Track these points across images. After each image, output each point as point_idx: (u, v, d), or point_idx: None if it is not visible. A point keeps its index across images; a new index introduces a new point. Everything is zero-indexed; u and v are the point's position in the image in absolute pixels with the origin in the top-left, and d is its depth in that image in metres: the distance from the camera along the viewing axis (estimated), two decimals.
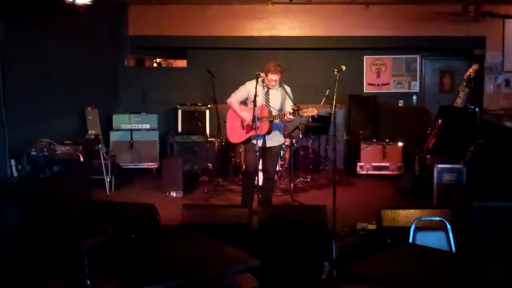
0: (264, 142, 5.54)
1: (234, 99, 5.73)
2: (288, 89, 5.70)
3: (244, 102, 5.76)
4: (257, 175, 5.77)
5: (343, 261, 3.66)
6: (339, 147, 8.91)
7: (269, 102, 5.63)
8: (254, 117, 5.33)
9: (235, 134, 5.82)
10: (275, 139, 5.72)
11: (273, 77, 5.51)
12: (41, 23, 6.13)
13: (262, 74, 5.47)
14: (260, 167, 5.82)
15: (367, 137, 8.37)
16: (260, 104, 5.53)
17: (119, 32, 9.10)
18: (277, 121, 5.64)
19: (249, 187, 5.82)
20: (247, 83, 5.67)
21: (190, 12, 9.04)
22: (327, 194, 6.24)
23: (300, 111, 5.31)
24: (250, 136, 5.69)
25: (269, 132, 5.57)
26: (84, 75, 7.55)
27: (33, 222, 4.51)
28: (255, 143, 5.49)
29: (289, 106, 5.51)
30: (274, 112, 5.59)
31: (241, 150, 7.17)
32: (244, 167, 6.37)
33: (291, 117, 5.36)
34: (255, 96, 5.31)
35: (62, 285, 4.00)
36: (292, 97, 5.64)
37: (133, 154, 8.18)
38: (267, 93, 5.63)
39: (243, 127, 5.73)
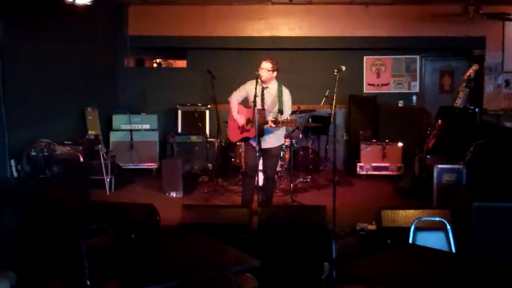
0: (259, 143, 5.49)
1: (234, 98, 5.75)
2: (285, 92, 5.61)
3: (244, 102, 5.76)
4: (257, 175, 5.77)
5: (343, 261, 3.67)
6: (339, 148, 8.91)
7: (263, 101, 5.60)
8: (249, 118, 5.36)
9: (233, 132, 5.84)
10: (271, 141, 5.68)
11: (263, 64, 5.52)
12: (41, 23, 6.13)
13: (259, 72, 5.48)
14: (260, 167, 5.82)
15: (367, 137, 8.37)
16: (258, 104, 5.50)
17: (119, 32, 9.10)
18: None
19: (248, 187, 5.82)
20: (247, 83, 5.67)
21: (190, 12, 9.04)
22: (327, 194, 6.23)
23: (280, 122, 5.33)
24: (244, 137, 5.70)
25: (260, 135, 5.49)
26: (84, 75, 7.55)
27: (33, 223, 4.51)
28: (253, 144, 5.52)
29: (281, 109, 5.50)
30: (268, 116, 5.56)
31: (241, 150, 7.18)
32: (243, 166, 6.38)
33: (273, 125, 5.37)
34: (255, 96, 5.31)
35: (62, 285, 3.99)
36: (284, 102, 5.56)
37: (133, 154, 8.18)
38: (262, 92, 5.59)
39: (238, 127, 5.75)
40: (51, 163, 5.74)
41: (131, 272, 2.94)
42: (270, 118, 5.49)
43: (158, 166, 8.12)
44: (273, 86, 5.64)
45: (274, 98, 5.61)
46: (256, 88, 5.35)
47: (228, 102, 5.84)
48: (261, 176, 5.88)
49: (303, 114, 7.86)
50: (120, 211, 4.66)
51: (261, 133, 5.50)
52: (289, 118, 5.40)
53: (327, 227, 4.52)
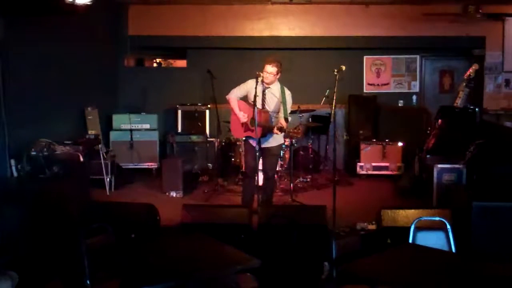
0: (259, 143, 5.49)
1: (233, 95, 5.67)
2: (287, 94, 5.61)
3: (243, 99, 5.73)
4: (257, 175, 5.77)
5: (343, 261, 3.67)
6: (339, 147, 8.91)
7: (265, 102, 5.59)
8: (252, 118, 5.35)
9: (236, 128, 5.78)
10: (272, 141, 5.67)
11: (268, 68, 5.45)
12: (41, 23, 6.13)
13: (261, 73, 5.45)
14: (260, 167, 5.81)
15: (367, 137, 8.37)
16: (258, 104, 5.50)
17: (119, 32, 9.10)
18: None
19: (249, 187, 5.81)
20: (249, 81, 5.59)
21: (190, 12, 9.04)
22: (327, 194, 6.22)
23: (286, 131, 5.37)
24: (247, 136, 5.69)
25: (263, 136, 5.52)
26: (84, 75, 7.55)
27: (33, 222, 4.51)
28: (252, 143, 5.54)
29: (283, 111, 5.53)
30: (273, 119, 5.59)
31: (241, 150, 7.18)
32: (243, 167, 6.35)
33: (279, 132, 5.37)
34: (255, 96, 5.30)
35: (62, 285, 4.00)
36: (287, 106, 5.58)
37: (133, 154, 8.18)
38: (264, 93, 5.57)
39: (242, 124, 5.71)
40: (51, 163, 5.73)
41: (131, 272, 2.94)
42: (280, 118, 5.51)
43: (158, 165, 8.12)
44: (275, 86, 5.61)
45: (276, 99, 5.60)
46: (256, 88, 5.34)
47: (226, 100, 5.77)
48: (261, 176, 5.88)
49: (303, 114, 7.86)
50: (120, 211, 4.66)
51: (265, 134, 5.51)
52: (297, 128, 5.45)
53: (327, 227, 4.52)
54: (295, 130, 5.41)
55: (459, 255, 3.64)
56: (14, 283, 3.82)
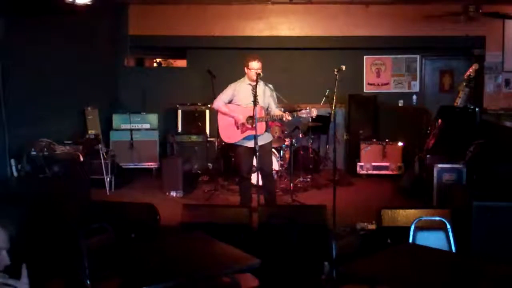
0: (256, 142, 5.51)
1: (220, 102, 5.73)
2: (272, 86, 5.77)
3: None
4: (256, 174, 5.77)
5: (343, 261, 3.66)
6: (339, 147, 8.90)
7: (256, 99, 5.61)
8: (250, 117, 5.38)
9: (229, 134, 5.78)
10: (264, 138, 5.70)
11: (254, 64, 5.58)
12: (41, 23, 6.13)
13: (246, 71, 5.58)
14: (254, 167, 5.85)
15: (367, 137, 8.37)
16: (247, 103, 5.52)
17: (119, 32, 9.10)
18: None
19: (246, 188, 5.85)
20: (232, 85, 5.74)
21: (190, 12, 9.04)
22: (327, 194, 6.23)
23: (298, 112, 5.39)
24: (247, 136, 5.68)
25: (267, 130, 5.60)
26: (84, 75, 7.55)
27: (33, 222, 4.51)
28: (247, 145, 5.60)
29: (274, 104, 5.69)
30: (276, 111, 5.64)
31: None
32: (239, 170, 6.23)
33: (289, 118, 5.40)
34: (255, 95, 5.32)
35: (62, 285, 4.00)
36: (275, 95, 5.76)
37: (133, 154, 8.18)
38: (253, 91, 5.58)
39: (237, 127, 5.71)
40: (51, 162, 5.74)
41: (131, 272, 2.94)
42: (279, 112, 5.57)
43: (158, 165, 8.12)
44: (260, 84, 5.67)
45: (266, 93, 5.69)
46: (256, 87, 5.42)
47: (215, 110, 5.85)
48: (260, 176, 5.89)
49: None
50: (120, 210, 4.66)
51: (266, 130, 5.61)
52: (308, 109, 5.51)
53: (327, 227, 4.52)
54: (308, 111, 5.44)
55: (459, 255, 3.64)
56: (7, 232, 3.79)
